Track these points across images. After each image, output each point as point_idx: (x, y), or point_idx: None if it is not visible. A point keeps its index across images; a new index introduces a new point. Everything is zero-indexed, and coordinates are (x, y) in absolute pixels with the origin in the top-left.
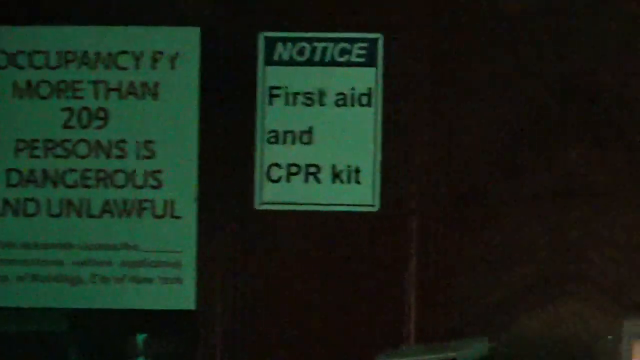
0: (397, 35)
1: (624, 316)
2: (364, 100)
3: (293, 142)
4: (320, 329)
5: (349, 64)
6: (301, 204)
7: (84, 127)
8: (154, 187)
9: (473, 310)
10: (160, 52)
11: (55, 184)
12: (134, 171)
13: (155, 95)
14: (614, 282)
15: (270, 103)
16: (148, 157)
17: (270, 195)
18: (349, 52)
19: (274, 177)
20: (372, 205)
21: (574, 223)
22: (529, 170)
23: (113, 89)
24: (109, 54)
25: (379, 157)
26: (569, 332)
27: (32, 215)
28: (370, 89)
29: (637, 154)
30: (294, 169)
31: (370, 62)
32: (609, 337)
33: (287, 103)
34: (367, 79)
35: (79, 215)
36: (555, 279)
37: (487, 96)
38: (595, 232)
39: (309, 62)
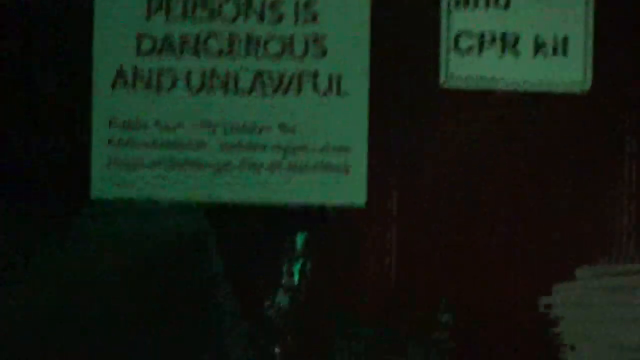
0: None
1: None
2: None
3: (486, 6)
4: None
5: None
6: (496, 80)
7: None
8: (316, 57)
9: None
10: None
11: (195, 53)
12: (292, 37)
13: None
14: None
15: None
16: (309, 20)
17: (458, 69)
18: None
19: (463, 48)
20: (582, 82)
21: None
22: None
23: None
24: None
25: (591, 24)
26: None
27: (168, 89)
28: None
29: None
30: (487, 38)
31: None
32: None
33: None
34: None
35: (225, 90)
36: None
37: None
38: None
39: None
